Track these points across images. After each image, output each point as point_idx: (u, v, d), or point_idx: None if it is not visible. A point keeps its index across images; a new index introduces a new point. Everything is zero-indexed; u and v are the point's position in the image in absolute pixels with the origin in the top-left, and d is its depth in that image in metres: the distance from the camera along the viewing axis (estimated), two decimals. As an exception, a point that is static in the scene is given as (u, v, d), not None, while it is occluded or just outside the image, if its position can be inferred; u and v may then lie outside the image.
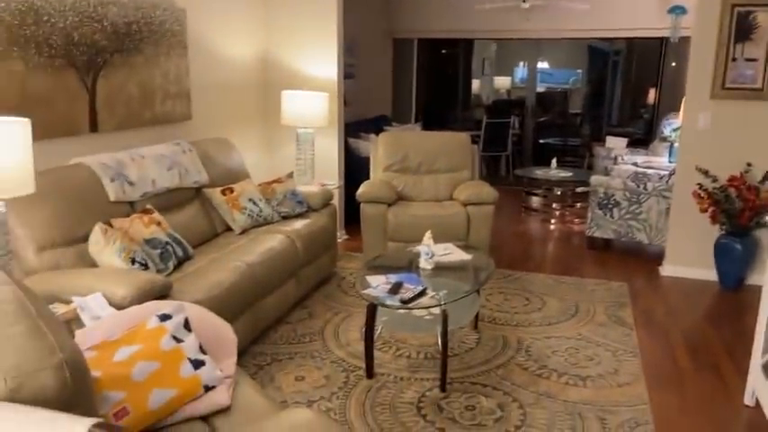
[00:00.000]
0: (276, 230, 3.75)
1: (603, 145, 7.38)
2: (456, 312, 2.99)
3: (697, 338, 3.54)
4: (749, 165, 4.28)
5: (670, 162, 5.88)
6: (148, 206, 3.19)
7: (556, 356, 3.24)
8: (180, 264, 3.10)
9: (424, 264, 3.18)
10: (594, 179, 5.15)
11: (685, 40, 6.91)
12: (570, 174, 6.28)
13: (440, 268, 3.23)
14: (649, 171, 5.48)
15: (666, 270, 4.64)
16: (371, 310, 2.79)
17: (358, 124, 6.93)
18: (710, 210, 4.19)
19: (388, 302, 2.71)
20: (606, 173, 6.53)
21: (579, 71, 14.31)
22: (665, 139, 6.54)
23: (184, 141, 3.80)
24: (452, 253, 3.41)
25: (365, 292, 2.80)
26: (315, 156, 5.01)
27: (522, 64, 14.73)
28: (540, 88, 15.10)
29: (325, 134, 5.14)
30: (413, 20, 7.83)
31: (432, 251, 3.19)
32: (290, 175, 4.31)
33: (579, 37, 7.71)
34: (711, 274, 4.45)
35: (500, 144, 8.61)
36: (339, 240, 5.30)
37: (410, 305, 2.68)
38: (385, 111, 8.06)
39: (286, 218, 4.05)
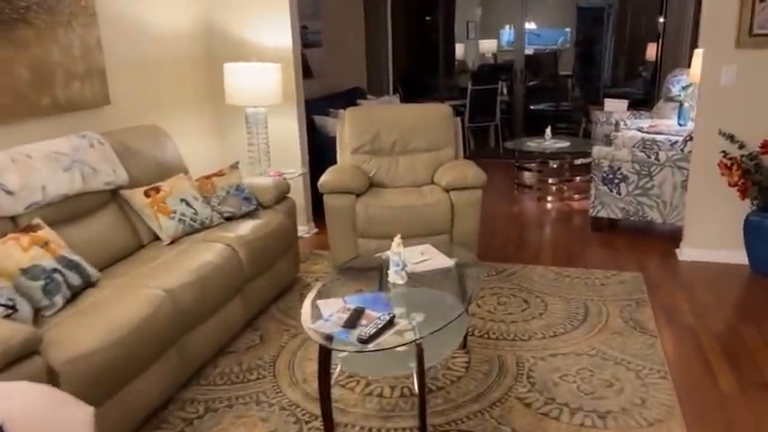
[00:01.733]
0: (215, 238, 3.04)
1: (602, 109, 6.65)
2: (437, 340, 2.31)
3: (737, 344, 2.89)
4: (783, 126, 3.59)
5: (680, 125, 5.18)
6: (36, 221, 2.47)
7: (565, 383, 2.58)
8: (76, 295, 2.40)
9: (395, 277, 2.49)
10: (597, 150, 4.44)
11: (690, -14, 6.15)
12: (567, 144, 5.57)
13: (416, 280, 2.55)
14: (659, 137, 4.78)
15: (685, 254, 3.97)
16: (324, 353, 2.10)
17: (328, 99, 6.17)
18: (740, 182, 3.50)
19: (342, 342, 2.02)
20: (608, 141, 5.82)
21: (568, 30, 13.51)
22: (671, 99, 5.83)
23: (92, 133, 3.05)
24: (430, 258, 2.72)
25: (313, 327, 2.11)
26: (270, 139, 4.27)
27: (508, 26, 13.92)
28: (529, 51, 14.33)
29: (282, 113, 4.40)
30: (384, -22, 7.00)
31: (403, 261, 2.49)
32: (235, 166, 3.57)
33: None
34: (739, 257, 3.79)
35: (488, 113, 7.86)
36: (306, 236, 4.60)
37: (371, 345, 1.98)
38: (360, 82, 7.28)
39: (230, 219, 3.34)
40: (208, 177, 3.42)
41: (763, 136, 3.59)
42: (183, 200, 3.14)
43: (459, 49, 10.99)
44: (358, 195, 3.78)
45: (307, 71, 6.03)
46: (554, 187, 5.74)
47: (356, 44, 7.18)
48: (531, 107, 8.57)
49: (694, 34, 6.31)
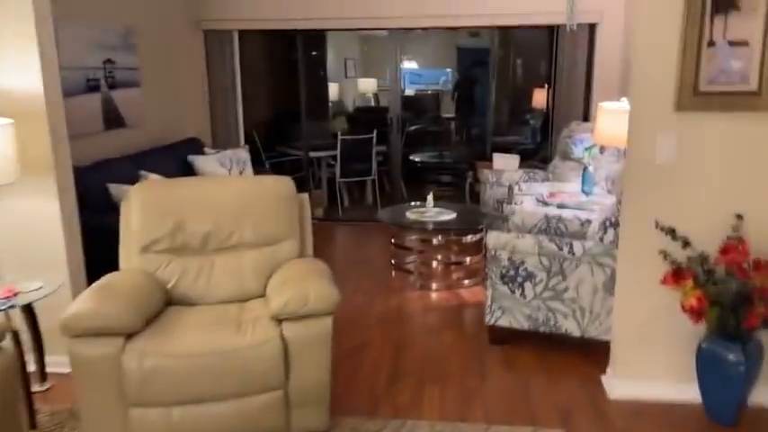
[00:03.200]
0: None
1: (490, 166, 5.68)
2: None
3: None
4: (739, 217, 2.62)
5: (585, 192, 4.24)
6: None
7: None
8: None
9: None
10: (493, 238, 3.30)
11: (583, 29, 5.36)
12: (452, 216, 4.44)
13: None
14: (565, 213, 3.77)
15: (615, 388, 2.88)
16: None
17: (148, 156, 4.66)
18: (697, 305, 2.46)
19: None
20: (498, 209, 4.78)
21: (449, 70, 12.88)
22: (569, 158, 4.94)
23: None
24: None
25: None
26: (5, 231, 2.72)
27: (393, 63, 13.07)
28: (410, 91, 13.54)
29: (29, 190, 2.87)
30: (228, 4, 5.66)
31: None
32: None
33: (444, 26, 5.97)
34: (689, 393, 2.76)
35: (363, 165, 6.69)
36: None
37: None
38: (201, 132, 5.83)
39: None
40: None
41: (716, 231, 2.61)
42: None
43: (334, 89, 9.84)
44: (130, 336, 2.33)
45: (115, 119, 4.50)
46: (439, 267, 4.58)
47: (192, 84, 5.74)
48: (412, 158, 7.52)
49: (587, 83, 5.54)
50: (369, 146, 6.61)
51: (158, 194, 2.87)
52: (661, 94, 2.59)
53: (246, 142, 6.67)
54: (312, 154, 6.71)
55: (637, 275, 2.77)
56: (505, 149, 7.03)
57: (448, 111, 11.27)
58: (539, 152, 7.01)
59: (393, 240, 4.49)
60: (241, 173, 5.21)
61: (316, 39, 8.76)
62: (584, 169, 4.27)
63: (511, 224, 3.80)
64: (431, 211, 4.46)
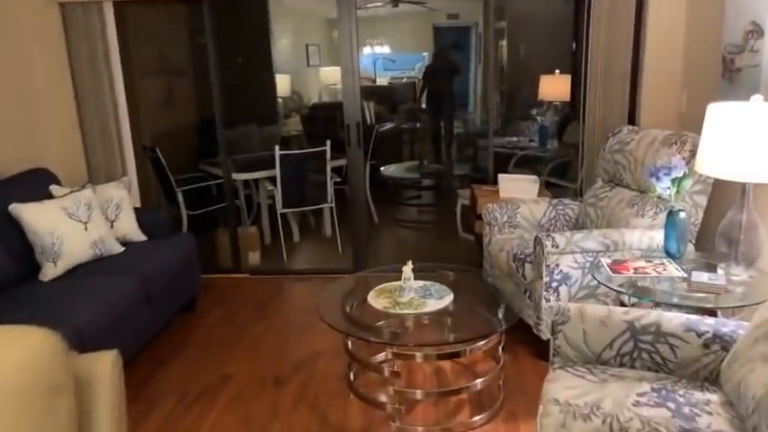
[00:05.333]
0: None
1: (494, 192, 3.86)
2: None
3: None
4: None
5: (671, 255, 2.46)
6: None
7: None
8: None
9: None
10: (549, 405, 1.49)
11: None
12: (447, 300, 2.60)
13: None
14: (665, 319, 1.99)
15: None
16: None
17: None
18: None
19: None
20: (518, 271, 3.01)
21: (426, 54, 11.03)
22: (621, 183, 3.15)
23: None
24: None
25: None
26: None
27: (368, 47, 11.16)
28: (382, 80, 11.65)
29: None
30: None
31: None
32: None
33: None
34: None
35: (314, 189, 4.84)
36: None
37: None
38: (69, 158, 3.93)
39: None
40: None
41: None
42: None
43: (284, 82, 7.93)
44: None
45: None
46: (430, 396, 2.75)
47: (47, 85, 3.82)
48: (384, 171, 5.68)
49: (634, 72, 3.71)
50: (321, 162, 4.75)
51: None
52: None
53: (154, 164, 4.79)
54: (238, 176, 4.84)
55: None
56: (503, 160, 5.25)
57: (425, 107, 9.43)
58: (550, 159, 5.22)
59: (348, 345, 2.62)
60: (112, 224, 3.33)
61: (254, 10, 6.83)
62: (671, 214, 2.47)
63: (561, 341, 2.00)
64: (409, 291, 2.63)
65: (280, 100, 7.68)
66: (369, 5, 8.26)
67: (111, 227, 3.32)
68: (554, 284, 2.80)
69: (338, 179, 4.93)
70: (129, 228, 3.40)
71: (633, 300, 2.46)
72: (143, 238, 3.45)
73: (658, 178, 2.46)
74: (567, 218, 3.46)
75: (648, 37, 3.58)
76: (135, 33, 4.72)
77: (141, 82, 4.92)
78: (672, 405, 1.68)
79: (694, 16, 3.39)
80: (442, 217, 5.75)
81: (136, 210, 3.55)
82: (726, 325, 1.87)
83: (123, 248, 3.26)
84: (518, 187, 3.71)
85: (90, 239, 3.07)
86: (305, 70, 9.77)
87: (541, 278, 2.81)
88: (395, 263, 2.74)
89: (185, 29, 5.92)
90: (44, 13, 3.79)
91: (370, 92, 9.63)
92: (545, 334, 2.87)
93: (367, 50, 11.12)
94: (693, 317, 1.93)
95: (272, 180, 4.74)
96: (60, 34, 3.86)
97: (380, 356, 2.79)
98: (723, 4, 2.93)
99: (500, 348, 2.55)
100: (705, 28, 3.23)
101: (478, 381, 2.44)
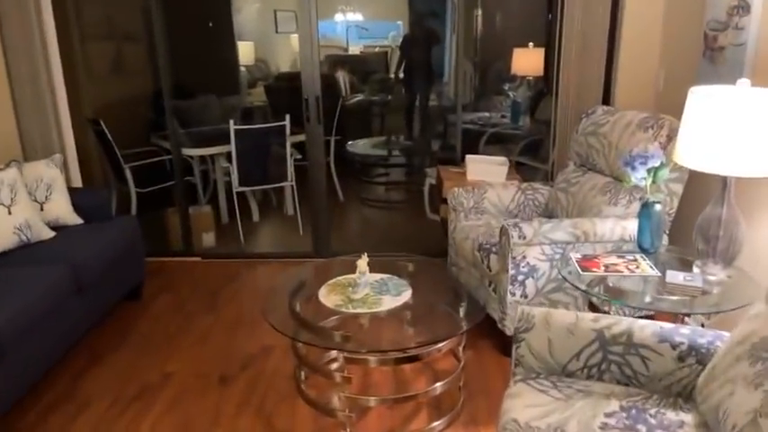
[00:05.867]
0: None
1: (461, 173, 3.65)
2: None
3: None
4: None
5: (644, 249, 2.29)
6: None
7: None
8: None
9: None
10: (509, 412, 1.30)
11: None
12: (406, 295, 2.38)
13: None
14: (638, 327, 1.81)
15: None
16: None
17: None
18: None
19: None
20: (484, 262, 2.82)
21: (400, 23, 10.65)
22: (595, 169, 2.97)
23: None
24: None
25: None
26: None
27: (340, 13, 10.69)
28: (355, 48, 11.23)
29: None
30: None
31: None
32: None
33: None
34: None
35: (273, 167, 4.56)
36: None
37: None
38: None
39: None
40: None
41: None
42: None
43: (247, 49, 7.53)
44: None
45: None
46: (386, 401, 2.56)
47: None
48: (350, 149, 5.42)
49: (610, 48, 3.48)
50: (280, 137, 4.47)
51: None
52: None
53: (98, 138, 4.45)
54: (189, 151, 4.53)
55: None
56: (473, 136, 5.03)
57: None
58: (522, 137, 5.02)
59: (297, 346, 2.40)
60: (42, 206, 3.03)
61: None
62: (645, 206, 2.28)
63: (524, 350, 1.81)
64: (364, 286, 2.41)
65: (243, 69, 7.31)
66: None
67: (42, 209, 3.02)
68: (520, 278, 2.62)
69: (299, 156, 4.66)
70: (62, 210, 3.10)
71: (603, 300, 2.28)
72: (79, 221, 3.16)
73: (634, 168, 2.26)
74: (537, 203, 3.27)
75: (626, 11, 3.35)
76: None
77: (84, 47, 4.55)
78: (642, 428, 1.51)
79: (676, -11, 3.17)
80: (411, 196, 5.53)
81: (72, 190, 3.25)
82: (702, 335, 1.70)
83: (54, 234, 2.97)
84: (486, 170, 3.49)
85: (13, 224, 2.78)
86: (273, 37, 9.34)
87: (507, 271, 2.62)
88: (358, 245, 2.52)
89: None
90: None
91: (341, 61, 9.27)
92: (510, 329, 2.69)
93: (339, 17, 10.70)
94: (667, 325, 1.75)
95: (229, 156, 4.46)
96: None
97: (333, 355, 2.58)
98: (707, -24, 2.71)
99: (461, 348, 2.36)
100: (686, 2, 3.01)
101: (438, 384, 2.24)
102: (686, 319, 2.07)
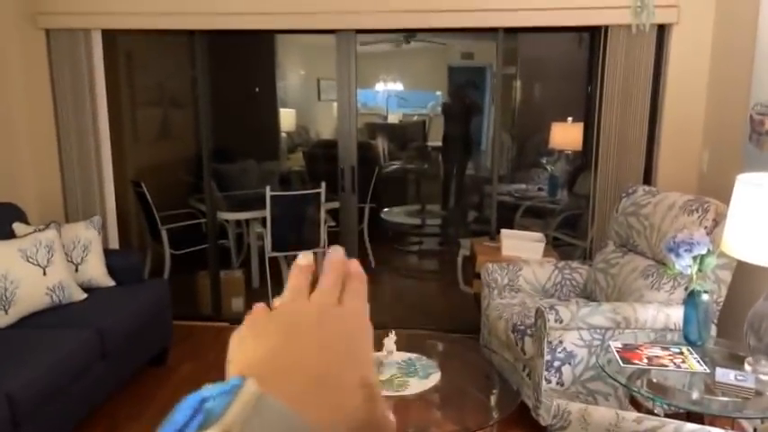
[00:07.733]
0: None
1: (495, 248, 3.56)
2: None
3: None
4: None
5: (691, 341, 2.14)
6: None
7: None
8: None
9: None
10: None
11: (644, 34, 3.30)
12: (434, 379, 2.29)
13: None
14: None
15: None
16: None
17: None
18: None
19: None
20: (518, 344, 2.70)
21: (439, 93, 10.85)
22: (636, 250, 2.84)
23: None
24: None
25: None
26: None
27: (382, 82, 10.97)
28: (394, 117, 11.45)
29: None
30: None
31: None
32: None
33: (429, 27, 3.93)
34: None
35: (307, 232, 4.56)
36: None
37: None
38: (46, 192, 3.71)
39: None
40: None
41: None
42: None
43: (289, 116, 7.75)
44: None
45: None
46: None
47: (27, 113, 3.62)
48: (384, 216, 5.41)
49: (652, 123, 3.43)
50: (315, 203, 4.49)
51: None
52: None
53: (139, 199, 4.56)
54: (224, 215, 4.59)
55: None
56: (509, 209, 4.96)
57: (436, 140, 9.18)
58: (559, 211, 4.92)
59: None
60: (77, 267, 3.06)
61: (255, 45, 6.67)
62: (691, 295, 2.16)
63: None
64: (390, 366, 2.32)
65: (284, 134, 7.49)
66: (373, 42, 8.09)
67: (76, 270, 3.05)
68: (556, 363, 2.48)
69: (332, 223, 4.65)
70: (96, 272, 3.13)
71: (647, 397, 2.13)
72: (111, 283, 3.18)
73: (678, 254, 2.16)
74: (575, 283, 3.15)
75: (668, 90, 3.32)
76: (128, 63, 4.54)
77: (131, 113, 4.73)
78: None
79: (719, 70, 3.13)
80: (443, 267, 5.43)
81: (107, 252, 3.29)
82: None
83: (85, 295, 2.98)
84: (522, 246, 3.41)
85: (47, 285, 2.81)
86: (315, 105, 9.61)
87: (542, 356, 2.49)
88: (388, 316, 2.44)
89: (185, 59, 5.75)
90: (28, 40, 3.62)
91: (380, 128, 9.45)
92: (544, 419, 2.53)
93: (380, 86, 10.98)
94: (717, 431, 1.61)
95: (263, 221, 4.48)
96: (45, 63, 3.67)
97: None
98: (753, 57, 2.66)
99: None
100: (731, 84, 2.96)
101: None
102: (740, 422, 1.91)
